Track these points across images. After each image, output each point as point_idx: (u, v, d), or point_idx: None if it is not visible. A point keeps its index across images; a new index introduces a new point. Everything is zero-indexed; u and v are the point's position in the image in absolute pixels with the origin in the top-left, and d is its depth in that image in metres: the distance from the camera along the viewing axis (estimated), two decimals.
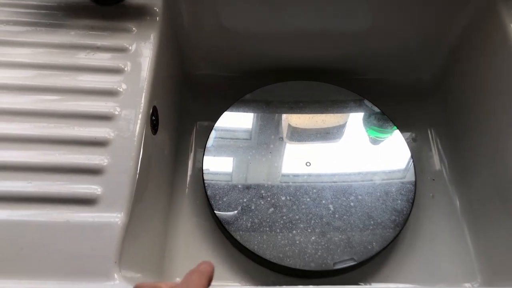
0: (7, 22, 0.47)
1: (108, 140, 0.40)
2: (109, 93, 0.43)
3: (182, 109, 0.62)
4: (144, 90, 0.44)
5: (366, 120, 0.60)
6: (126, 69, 0.45)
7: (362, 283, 0.51)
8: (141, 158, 0.41)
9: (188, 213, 0.55)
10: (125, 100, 0.43)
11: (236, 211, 0.51)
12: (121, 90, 0.44)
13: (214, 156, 0.56)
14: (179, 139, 0.60)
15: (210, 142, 0.57)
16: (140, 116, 0.43)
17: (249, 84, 0.62)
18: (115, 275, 0.34)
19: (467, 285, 0.50)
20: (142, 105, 0.43)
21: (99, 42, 0.47)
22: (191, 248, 0.52)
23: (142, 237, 0.43)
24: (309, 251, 0.49)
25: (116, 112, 0.42)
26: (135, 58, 0.46)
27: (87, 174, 0.38)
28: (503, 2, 0.52)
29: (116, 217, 0.37)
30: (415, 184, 0.54)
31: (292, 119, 0.60)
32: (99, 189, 0.38)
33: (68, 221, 0.36)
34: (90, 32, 0.47)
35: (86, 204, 0.37)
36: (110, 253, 0.35)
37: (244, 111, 0.60)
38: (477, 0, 0.55)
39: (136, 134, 0.41)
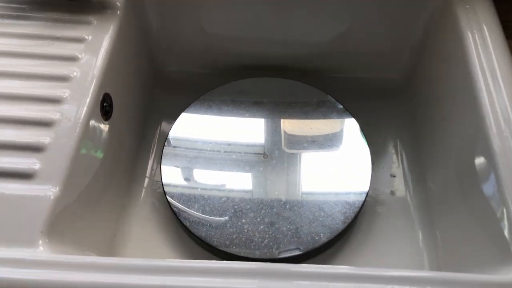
0: None
1: (53, 121, 0.43)
2: (61, 79, 0.46)
3: (148, 102, 0.64)
4: (95, 77, 0.47)
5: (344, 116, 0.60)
6: (80, 57, 0.48)
7: None
8: (85, 140, 0.43)
9: (146, 199, 0.56)
10: (75, 85, 0.46)
11: (188, 199, 0.53)
12: (72, 76, 0.46)
13: (174, 149, 0.57)
14: (143, 130, 0.62)
15: (171, 133, 0.58)
16: (88, 100, 0.45)
17: (217, 80, 0.64)
18: (40, 242, 0.36)
19: None
20: (91, 90, 0.46)
21: (59, 33, 0.49)
22: (144, 232, 0.54)
23: (85, 216, 0.45)
24: (256, 239, 0.50)
25: (65, 96, 0.45)
26: (91, 48, 0.49)
27: (28, 151, 0.41)
28: (461, 7, 0.52)
29: (49, 191, 0.39)
30: (370, 179, 0.54)
31: (254, 113, 0.61)
32: (38, 165, 0.40)
33: (3, 193, 0.38)
34: (53, 24, 0.50)
35: (23, 178, 0.39)
36: (38, 223, 0.37)
37: (209, 105, 0.62)
38: (433, 1, 0.55)
39: (82, 116, 0.44)
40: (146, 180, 0.58)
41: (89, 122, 0.44)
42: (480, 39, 0.49)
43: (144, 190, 0.57)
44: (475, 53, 0.48)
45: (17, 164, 0.40)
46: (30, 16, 0.51)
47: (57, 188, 0.39)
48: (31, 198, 0.38)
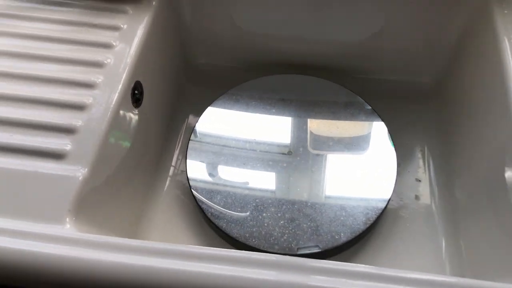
0: None
1: (86, 105, 0.44)
2: (96, 64, 0.47)
3: (178, 93, 0.65)
4: (128, 65, 0.48)
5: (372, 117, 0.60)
6: (115, 44, 0.49)
7: None
8: (116, 125, 0.45)
9: (170, 189, 0.57)
10: (109, 71, 0.47)
11: (212, 188, 0.53)
12: (106, 62, 0.47)
13: (200, 143, 0.58)
14: (171, 121, 0.63)
15: (197, 127, 0.59)
16: (119, 87, 0.46)
17: (247, 75, 0.65)
18: (67, 219, 0.37)
19: None
20: (124, 77, 0.47)
21: (96, 21, 0.51)
22: (167, 220, 0.54)
23: (112, 199, 0.46)
24: (276, 234, 0.50)
25: (98, 81, 0.46)
26: (125, 36, 0.50)
27: (61, 132, 0.42)
28: (499, 11, 0.51)
29: (79, 171, 0.40)
30: (395, 183, 0.54)
31: (280, 110, 0.61)
32: (69, 146, 0.41)
33: (36, 171, 0.40)
34: (90, 11, 0.52)
35: (54, 158, 0.41)
36: (66, 202, 0.38)
37: (238, 98, 0.62)
38: (473, 3, 0.54)
39: (113, 102, 0.45)
40: (171, 169, 0.59)
41: (119, 108, 0.46)
42: None
43: (168, 179, 0.58)
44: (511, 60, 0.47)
45: (50, 144, 0.41)
46: (70, 3, 0.53)
47: (86, 169, 0.40)
48: (61, 177, 0.39)
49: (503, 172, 0.45)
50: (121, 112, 0.46)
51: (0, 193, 0.38)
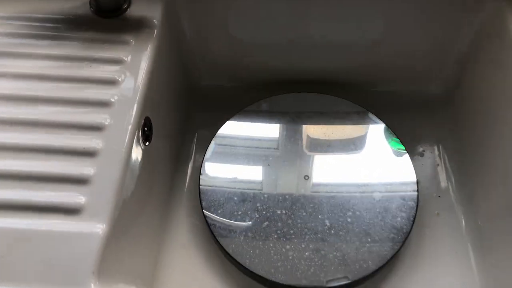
0: (12, 35, 0.49)
1: (96, 150, 0.41)
2: (102, 104, 0.44)
3: (184, 120, 0.62)
4: (136, 101, 0.45)
5: (386, 133, 0.58)
6: (120, 80, 0.46)
7: None
8: (128, 169, 0.42)
9: (184, 223, 0.55)
10: (117, 111, 0.44)
11: (230, 224, 0.51)
12: (113, 101, 0.44)
13: (211, 168, 0.55)
14: (179, 150, 0.60)
15: (208, 154, 0.56)
16: (130, 127, 0.43)
17: (253, 95, 0.62)
18: (92, 285, 0.35)
19: None
20: (133, 116, 0.44)
21: (96, 54, 0.48)
22: (184, 259, 0.52)
23: (129, 248, 0.43)
24: (302, 267, 0.48)
25: (107, 123, 0.43)
26: (130, 70, 0.47)
27: (73, 184, 0.39)
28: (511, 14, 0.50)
29: (98, 228, 0.37)
30: (417, 201, 0.52)
31: (293, 130, 0.59)
32: (83, 199, 0.38)
33: (51, 230, 0.37)
34: (90, 44, 0.48)
35: (69, 214, 0.38)
36: (89, 263, 0.35)
37: (246, 122, 0.60)
38: (485, 9, 0.53)
39: (125, 145, 0.42)
40: (184, 201, 0.56)
41: (131, 150, 0.43)
42: None
43: (183, 215, 0.56)
44: None
45: (62, 198, 0.38)
46: (66, 36, 0.49)
47: (105, 224, 0.37)
48: (79, 235, 0.37)
49: None
50: (133, 154, 0.43)
51: (14, 257, 0.35)
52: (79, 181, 0.39)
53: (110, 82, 0.46)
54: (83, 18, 0.51)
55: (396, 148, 0.57)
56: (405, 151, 0.56)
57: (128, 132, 0.43)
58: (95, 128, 0.42)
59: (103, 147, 0.41)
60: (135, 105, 0.44)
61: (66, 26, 0.50)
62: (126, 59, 0.47)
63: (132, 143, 0.43)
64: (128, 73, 0.46)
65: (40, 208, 0.38)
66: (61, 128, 0.42)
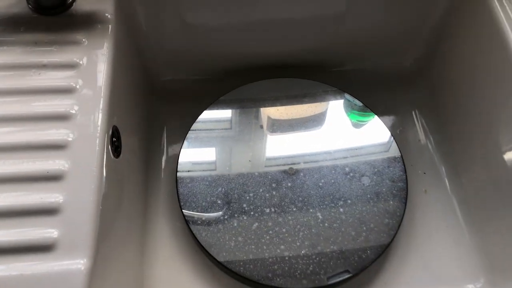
0: None
1: (62, 172, 0.35)
2: (61, 117, 0.38)
3: (151, 120, 0.57)
4: (101, 110, 0.39)
5: (346, 107, 0.56)
6: (78, 87, 0.40)
7: None
8: (103, 190, 0.37)
9: (166, 235, 0.50)
10: (79, 124, 0.38)
11: (217, 231, 0.47)
12: (73, 112, 0.38)
13: (188, 171, 0.51)
14: (150, 155, 0.55)
15: (182, 155, 0.52)
16: (97, 141, 0.38)
17: (221, 86, 0.58)
18: None
19: (470, 286, 0.47)
20: (99, 127, 0.38)
21: (45, 59, 0.41)
22: (172, 273, 0.48)
23: (113, 274, 0.38)
24: (300, 266, 0.46)
25: (70, 139, 0.37)
26: (87, 74, 0.41)
27: (40, 216, 0.34)
28: None
29: (78, 263, 0.32)
30: (406, 181, 0.51)
31: (270, 113, 0.56)
32: (55, 232, 0.33)
33: (22, 274, 0.31)
34: (35, 48, 0.42)
35: (42, 252, 0.32)
36: None
37: (221, 112, 0.56)
38: None
39: (95, 162, 0.37)
40: (162, 210, 0.52)
41: (102, 167, 0.37)
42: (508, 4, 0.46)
43: (162, 223, 0.51)
44: (506, 21, 0.45)
45: (30, 234, 0.33)
46: (3, 41, 0.42)
47: (86, 258, 0.33)
48: (59, 275, 0.31)
49: (501, 146, 0.44)
50: (105, 170, 0.38)
51: None
52: (47, 211, 0.34)
53: (66, 91, 0.40)
54: (21, 18, 0.43)
55: (355, 120, 0.55)
56: (366, 121, 0.55)
57: (96, 146, 0.37)
58: (57, 146, 0.37)
59: (69, 167, 0.36)
60: (100, 114, 0.39)
61: (1, 29, 0.43)
62: (80, 62, 0.41)
63: (103, 158, 0.37)
64: (85, 78, 0.40)
65: (5, 249, 0.32)
66: (18, 151, 0.36)
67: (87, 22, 0.44)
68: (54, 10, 0.44)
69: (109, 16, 0.44)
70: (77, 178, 0.35)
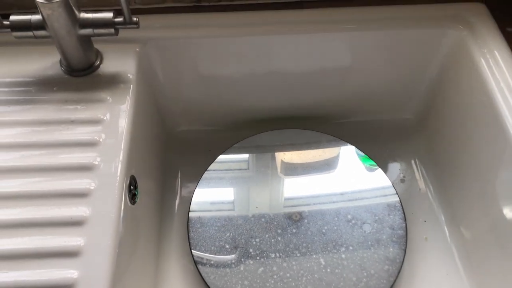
0: None
1: (84, 219, 0.39)
2: (84, 168, 0.42)
3: (167, 167, 0.61)
4: (120, 161, 0.43)
5: (358, 153, 0.60)
6: (101, 141, 0.44)
7: None
8: (120, 234, 0.40)
9: (177, 277, 0.53)
10: (101, 174, 0.42)
11: (224, 274, 0.50)
12: (96, 163, 0.43)
13: (199, 217, 0.54)
14: (164, 201, 0.59)
15: (194, 201, 0.56)
16: (116, 190, 0.42)
17: (230, 136, 0.62)
18: None
19: None
20: (119, 177, 0.42)
21: (73, 116, 0.46)
22: None
23: None
24: None
25: (92, 188, 0.41)
26: (110, 129, 0.46)
27: (63, 258, 0.37)
28: (473, 41, 0.53)
29: None
30: (406, 229, 0.53)
31: (279, 164, 0.59)
32: (75, 273, 0.37)
33: None
34: (64, 107, 0.47)
35: None
36: None
37: (231, 161, 0.60)
38: (447, 41, 0.55)
39: (114, 210, 0.41)
40: (174, 254, 0.55)
41: (120, 213, 0.41)
42: (494, 65, 0.50)
43: (173, 263, 0.54)
44: (492, 80, 0.49)
45: (53, 275, 0.36)
46: (37, 99, 0.47)
47: None
48: None
49: (498, 195, 0.46)
50: (123, 216, 0.42)
51: None
52: (69, 254, 0.37)
53: (91, 144, 0.44)
54: (54, 79, 0.49)
55: (368, 164, 0.58)
56: (377, 166, 0.58)
57: (115, 195, 0.41)
58: (80, 195, 0.41)
59: (90, 214, 0.40)
60: (120, 165, 0.43)
61: (37, 89, 0.48)
62: (104, 118, 0.46)
63: (121, 206, 0.41)
64: (108, 132, 0.45)
65: None
66: (44, 198, 0.40)
67: (112, 82, 0.49)
68: (83, 71, 0.49)
69: (131, 76, 0.50)
70: (97, 224, 0.39)
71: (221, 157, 0.59)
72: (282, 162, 0.60)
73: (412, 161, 0.63)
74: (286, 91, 0.62)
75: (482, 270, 0.52)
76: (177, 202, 0.60)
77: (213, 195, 0.56)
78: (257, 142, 0.61)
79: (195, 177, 0.59)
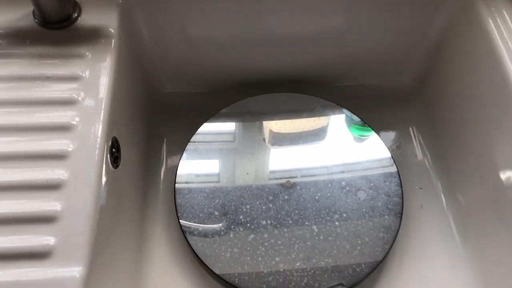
0: None
1: (61, 182, 0.36)
2: (62, 128, 0.39)
3: (151, 131, 0.58)
4: (101, 121, 0.40)
5: (347, 121, 0.57)
6: (80, 99, 0.41)
7: None
8: (101, 199, 0.37)
9: (163, 245, 0.51)
10: (80, 135, 0.39)
11: (213, 242, 0.48)
12: (74, 123, 0.40)
13: (187, 182, 0.52)
14: (149, 166, 0.56)
15: (181, 166, 0.53)
16: (97, 151, 0.39)
17: (221, 99, 0.59)
18: None
19: None
20: (99, 139, 0.39)
21: (49, 72, 0.42)
22: (168, 282, 0.48)
23: (109, 283, 0.39)
24: (294, 279, 0.46)
25: (70, 149, 0.38)
26: (90, 87, 0.42)
27: (38, 223, 0.34)
28: (483, 5, 0.50)
29: (74, 271, 0.33)
30: (402, 196, 0.51)
31: (270, 129, 0.57)
32: (52, 240, 0.34)
33: (18, 281, 0.32)
34: (39, 61, 0.43)
35: (38, 259, 0.33)
36: None
37: (221, 125, 0.57)
38: (451, 3, 0.52)
39: (93, 172, 0.38)
40: (160, 220, 0.52)
41: (101, 177, 0.38)
42: (503, 25, 0.47)
43: (158, 232, 0.52)
44: (500, 41, 0.46)
45: (28, 241, 0.34)
46: (9, 53, 0.43)
47: (81, 265, 0.33)
48: (53, 283, 0.32)
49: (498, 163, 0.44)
50: (104, 180, 0.39)
51: None
52: (45, 219, 0.35)
53: (68, 102, 0.41)
54: (27, 31, 0.45)
55: (358, 134, 0.56)
56: (368, 135, 0.55)
57: (96, 157, 0.38)
58: (57, 156, 0.38)
59: (68, 177, 0.37)
60: (100, 126, 0.40)
61: (8, 42, 0.44)
62: (83, 74, 0.43)
63: (102, 169, 0.38)
64: (87, 90, 0.42)
65: (2, 255, 0.33)
66: (18, 160, 0.37)
67: (91, 36, 0.45)
68: (59, 24, 0.45)
69: (112, 30, 0.46)
70: (76, 188, 0.36)
71: (206, 125, 0.56)
72: (272, 131, 0.57)
73: (409, 128, 0.60)
74: (279, 52, 0.58)
75: (477, 238, 0.50)
76: (163, 169, 0.57)
77: (199, 167, 0.53)
78: (247, 107, 0.58)
79: (182, 142, 0.56)
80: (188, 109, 0.60)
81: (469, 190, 0.52)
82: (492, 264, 0.48)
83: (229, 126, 0.57)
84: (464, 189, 0.53)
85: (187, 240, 0.48)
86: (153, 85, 0.59)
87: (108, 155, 0.41)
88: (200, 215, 0.50)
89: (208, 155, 0.54)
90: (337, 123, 0.58)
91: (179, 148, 0.56)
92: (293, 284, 0.46)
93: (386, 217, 0.50)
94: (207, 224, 0.49)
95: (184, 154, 0.54)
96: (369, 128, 0.57)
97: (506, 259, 0.45)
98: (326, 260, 0.47)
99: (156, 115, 0.60)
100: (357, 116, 0.57)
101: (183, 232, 0.48)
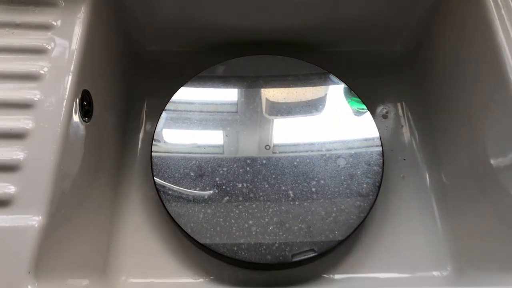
0: None
1: (26, 131, 0.36)
2: (29, 77, 0.38)
3: (131, 89, 0.57)
4: (71, 73, 0.39)
5: (346, 94, 0.56)
6: (50, 48, 0.40)
7: (324, 275, 0.47)
8: (67, 150, 0.37)
9: (137, 204, 0.50)
10: (48, 85, 0.38)
11: (187, 202, 0.47)
12: (43, 73, 0.38)
13: (164, 140, 0.51)
14: (127, 121, 0.55)
15: (159, 126, 0.52)
16: (64, 102, 0.38)
17: (205, 60, 0.57)
18: (29, 286, 0.30)
19: (435, 273, 0.47)
20: (68, 90, 0.38)
21: (18, 19, 0.41)
22: (139, 241, 0.48)
23: (74, 237, 0.39)
24: (266, 242, 0.46)
25: (36, 99, 0.37)
26: (61, 36, 0.41)
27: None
28: None
29: (33, 220, 0.33)
30: (383, 165, 0.50)
31: (252, 94, 0.55)
32: (13, 189, 0.33)
33: None
34: (9, 7, 0.42)
35: None
36: (24, 262, 0.31)
37: (201, 87, 0.55)
38: None
39: (60, 123, 0.37)
40: (135, 179, 0.52)
41: (68, 129, 0.37)
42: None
43: (133, 191, 0.51)
44: (497, 17, 0.44)
45: None
46: None
47: (41, 215, 0.33)
48: (11, 230, 0.32)
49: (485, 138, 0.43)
50: (71, 132, 0.38)
51: None
52: (7, 168, 0.34)
53: (38, 51, 0.40)
54: None
55: (356, 107, 0.54)
56: (366, 110, 0.54)
57: (63, 108, 0.37)
58: (23, 105, 0.37)
59: (33, 127, 0.36)
60: (70, 77, 0.39)
61: None
62: (55, 23, 0.41)
63: (69, 121, 0.38)
64: (59, 40, 0.40)
65: None
66: None
67: None
68: None
69: None
70: (40, 138, 0.36)
71: (185, 88, 0.54)
72: (257, 95, 0.55)
73: (397, 97, 0.59)
74: (269, 11, 0.56)
75: (457, 213, 0.50)
76: (141, 130, 0.55)
77: (177, 127, 0.52)
78: (228, 69, 0.56)
79: (162, 104, 0.54)
80: (170, 69, 0.59)
81: (454, 164, 0.51)
82: (466, 238, 0.47)
83: (207, 91, 0.55)
84: (448, 163, 0.52)
85: (161, 199, 0.47)
86: (136, 40, 0.57)
87: (78, 108, 0.40)
88: (176, 175, 0.49)
89: (187, 117, 0.53)
90: (335, 94, 0.56)
91: (159, 110, 0.55)
92: (264, 247, 0.45)
93: (365, 185, 0.49)
94: (182, 185, 0.48)
95: (164, 113, 0.53)
96: (360, 100, 0.55)
97: (480, 230, 0.44)
98: (300, 225, 0.46)
99: (138, 74, 0.58)
100: (344, 82, 0.56)
101: (158, 191, 0.48)
